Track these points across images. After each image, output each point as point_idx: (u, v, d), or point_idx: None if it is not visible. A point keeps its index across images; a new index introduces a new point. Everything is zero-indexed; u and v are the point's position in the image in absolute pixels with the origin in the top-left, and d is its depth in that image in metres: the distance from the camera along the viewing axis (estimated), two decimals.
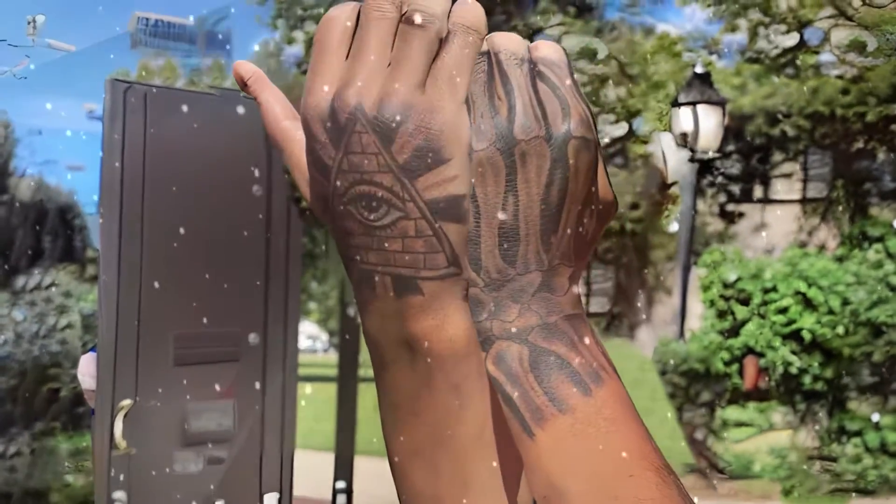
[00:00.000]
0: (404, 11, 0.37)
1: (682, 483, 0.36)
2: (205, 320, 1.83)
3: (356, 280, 0.38)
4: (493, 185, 0.36)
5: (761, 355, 6.74)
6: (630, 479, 0.35)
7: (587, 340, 0.37)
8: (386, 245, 0.36)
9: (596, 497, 0.35)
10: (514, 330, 0.37)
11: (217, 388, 1.89)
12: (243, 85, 0.43)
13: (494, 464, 0.39)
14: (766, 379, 6.79)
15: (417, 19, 0.37)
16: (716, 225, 8.19)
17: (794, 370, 6.63)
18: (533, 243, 0.37)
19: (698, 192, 7.43)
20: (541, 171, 0.36)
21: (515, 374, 0.36)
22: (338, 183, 0.37)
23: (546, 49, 0.39)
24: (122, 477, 1.70)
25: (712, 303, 7.03)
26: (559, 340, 0.37)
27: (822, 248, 7.53)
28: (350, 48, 0.38)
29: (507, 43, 0.38)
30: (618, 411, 0.36)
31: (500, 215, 0.36)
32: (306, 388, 7.30)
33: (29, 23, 6.66)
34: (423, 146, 0.36)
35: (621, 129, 7.67)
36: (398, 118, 0.36)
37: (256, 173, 1.77)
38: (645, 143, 7.78)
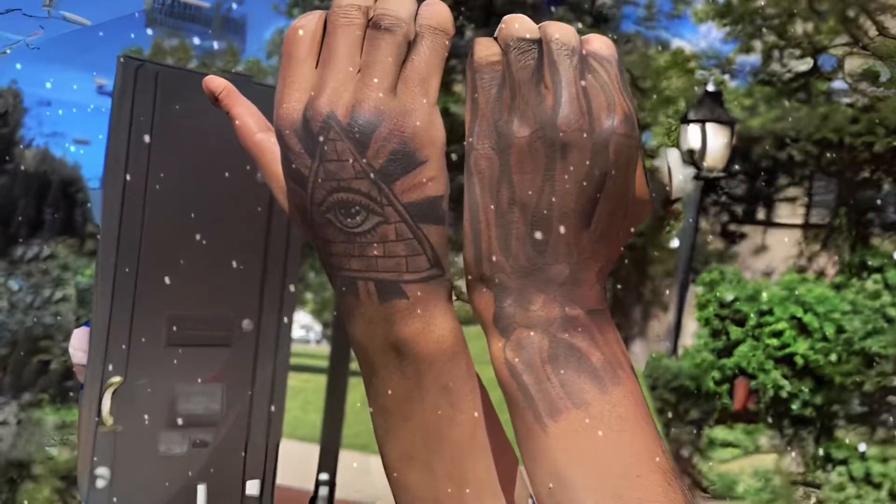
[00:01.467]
0: (371, 17, 0.37)
1: (687, 490, 0.36)
2: (200, 303, 1.83)
3: (339, 288, 0.38)
4: (530, 173, 0.36)
5: (752, 377, 6.74)
6: (636, 480, 0.35)
7: (608, 337, 0.37)
8: (367, 251, 0.36)
9: (600, 493, 0.34)
10: (536, 319, 0.36)
11: (207, 371, 1.88)
12: (214, 100, 0.43)
13: (489, 462, 0.39)
14: (756, 401, 6.78)
15: (384, 23, 0.37)
16: (716, 244, 8.18)
17: (784, 394, 6.62)
18: (564, 235, 0.36)
19: (701, 210, 7.43)
20: (580, 164, 0.36)
21: (533, 364, 0.36)
22: (315, 192, 0.36)
23: (598, 43, 0.39)
24: (106, 454, 1.70)
25: (707, 321, 7.03)
26: (580, 334, 0.36)
27: (820, 274, 7.53)
28: (319, 56, 0.38)
29: (560, 33, 0.38)
30: (631, 411, 0.36)
31: (535, 203, 0.36)
32: (296, 378, 7.29)
33: None
34: (398, 150, 0.36)
35: None
36: (371, 123, 0.35)
37: None
38: (652, 157, 7.78)
